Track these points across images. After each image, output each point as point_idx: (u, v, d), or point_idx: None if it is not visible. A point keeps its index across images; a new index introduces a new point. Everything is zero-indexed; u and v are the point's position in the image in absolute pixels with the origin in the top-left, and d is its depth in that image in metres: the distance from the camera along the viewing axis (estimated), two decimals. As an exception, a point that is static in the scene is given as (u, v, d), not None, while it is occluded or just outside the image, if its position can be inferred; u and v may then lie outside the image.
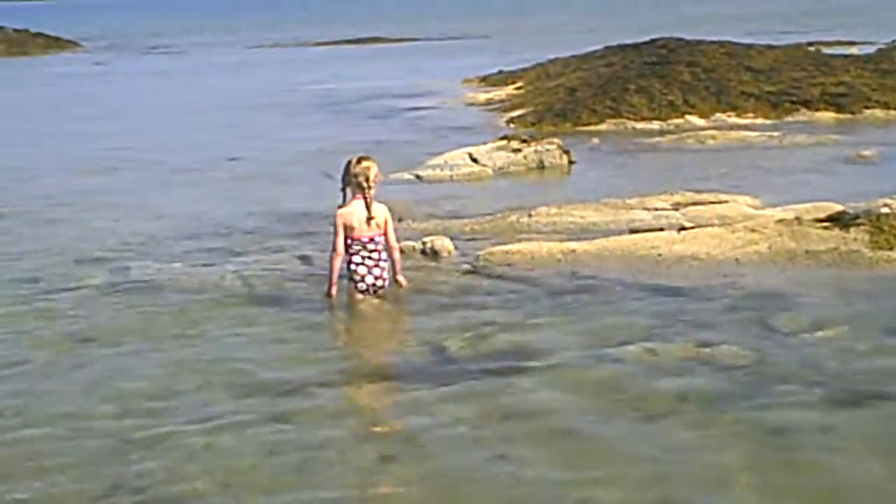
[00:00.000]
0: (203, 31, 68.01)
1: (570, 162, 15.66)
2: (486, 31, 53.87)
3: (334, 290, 8.65)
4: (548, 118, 20.19)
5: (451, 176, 14.79)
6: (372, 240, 8.64)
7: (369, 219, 8.61)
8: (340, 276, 8.73)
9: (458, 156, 15.49)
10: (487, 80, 27.21)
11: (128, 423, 6.29)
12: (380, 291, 8.72)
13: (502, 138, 16.27)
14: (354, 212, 8.62)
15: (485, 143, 16.06)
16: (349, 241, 8.62)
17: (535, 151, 15.53)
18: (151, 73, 37.77)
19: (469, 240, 10.57)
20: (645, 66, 21.64)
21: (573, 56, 25.39)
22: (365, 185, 8.59)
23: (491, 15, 73.39)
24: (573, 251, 9.79)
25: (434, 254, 9.98)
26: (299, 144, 18.29)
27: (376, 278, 8.69)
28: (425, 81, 28.62)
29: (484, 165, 15.20)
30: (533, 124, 19.91)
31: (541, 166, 15.43)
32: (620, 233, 10.43)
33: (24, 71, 42.45)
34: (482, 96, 24.46)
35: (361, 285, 8.67)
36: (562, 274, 9.22)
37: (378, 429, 6.17)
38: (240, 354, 7.45)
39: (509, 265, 9.55)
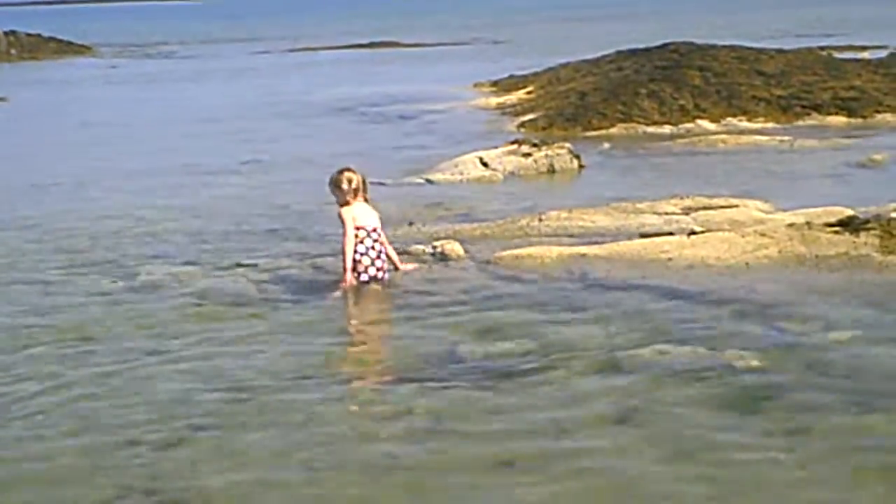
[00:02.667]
0: (212, 37, 68.04)
1: (581, 166, 15.67)
2: (500, 37, 53.83)
3: (349, 276, 9.09)
4: (558, 122, 20.20)
5: (462, 180, 14.81)
6: (376, 230, 9.23)
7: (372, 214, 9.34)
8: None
9: (469, 160, 15.50)
10: (499, 85, 27.20)
11: (137, 425, 6.32)
12: (382, 281, 9.18)
13: (513, 142, 16.27)
14: (359, 207, 9.25)
15: (495, 148, 16.06)
16: (357, 230, 9.13)
17: (546, 156, 15.55)
18: (161, 79, 37.74)
19: (479, 243, 10.59)
20: (656, 70, 21.64)
21: (584, 61, 25.36)
22: (362, 187, 9.27)
23: (504, 21, 73.38)
24: (583, 255, 9.81)
25: (444, 257, 10.00)
26: (309, 150, 18.28)
27: (378, 269, 9.20)
28: (437, 86, 28.62)
29: (494, 170, 15.21)
30: (543, 129, 19.91)
31: (551, 170, 15.44)
32: (630, 237, 10.43)
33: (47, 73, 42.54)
34: (493, 101, 24.48)
35: (364, 276, 9.15)
36: (571, 278, 9.23)
37: (387, 429, 6.17)
38: (248, 355, 7.48)
39: (519, 269, 9.56)
